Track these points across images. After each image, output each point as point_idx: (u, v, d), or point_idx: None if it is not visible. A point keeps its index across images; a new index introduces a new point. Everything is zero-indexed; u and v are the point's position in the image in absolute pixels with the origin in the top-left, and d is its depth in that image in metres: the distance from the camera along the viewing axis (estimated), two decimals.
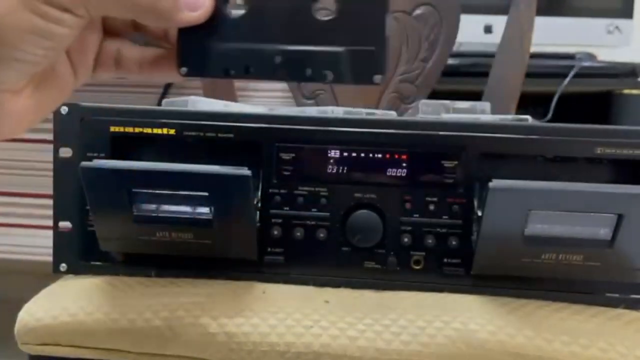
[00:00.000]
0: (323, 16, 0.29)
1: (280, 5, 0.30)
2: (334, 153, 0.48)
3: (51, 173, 0.49)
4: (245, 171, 0.43)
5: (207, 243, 0.46)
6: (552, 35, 1.12)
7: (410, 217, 0.48)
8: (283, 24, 0.31)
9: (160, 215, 0.45)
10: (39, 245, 1.25)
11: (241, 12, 0.29)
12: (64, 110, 0.48)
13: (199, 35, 0.31)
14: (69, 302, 0.46)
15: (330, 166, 0.48)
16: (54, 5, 0.27)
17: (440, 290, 0.48)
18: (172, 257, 0.49)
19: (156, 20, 0.31)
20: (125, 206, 0.44)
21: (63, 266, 0.50)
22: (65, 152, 0.49)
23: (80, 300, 0.46)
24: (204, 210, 0.45)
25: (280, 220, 0.49)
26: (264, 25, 0.31)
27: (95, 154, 0.48)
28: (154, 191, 0.45)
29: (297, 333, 0.43)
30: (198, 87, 0.97)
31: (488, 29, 1.13)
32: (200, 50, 0.32)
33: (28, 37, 0.27)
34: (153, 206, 0.45)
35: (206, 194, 0.44)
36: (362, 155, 0.48)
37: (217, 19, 0.31)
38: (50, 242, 0.50)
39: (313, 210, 0.49)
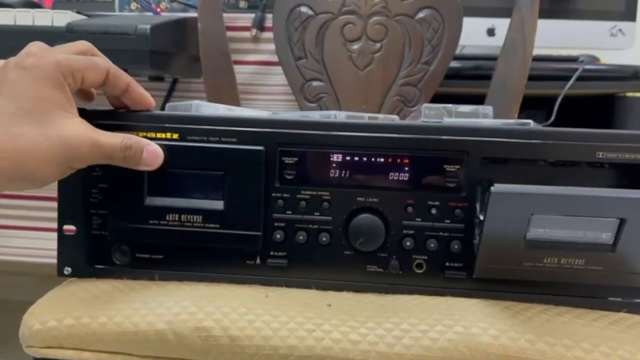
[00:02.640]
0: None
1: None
2: (337, 157, 0.48)
3: None
4: (258, 147, 0.47)
5: (215, 228, 0.48)
6: (555, 37, 1.12)
7: (413, 221, 0.48)
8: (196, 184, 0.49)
9: (173, 198, 0.49)
10: (42, 247, 1.25)
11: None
12: None
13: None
14: (73, 305, 0.47)
15: (332, 170, 0.48)
16: (72, 169, 0.45)
17: (442, 294, 0.49)
18: (176, 259, 0.50)
19: (126, 166, 0.46)
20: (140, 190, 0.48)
21: (67, 269, 0.51)
22: None
23: (85, 304, 0.47)
24: (216, 190, 0.48)
25: (282, 224, 0.49)
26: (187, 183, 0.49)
27: None
28: (167, 170, 0.48)
29: (299, 336, 0.43)
30: (201, 90, 0.97)
31: (491, 32, 1.13)
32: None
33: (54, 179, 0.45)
34: (165, 188, 0.49)
35: (221, 173, 0.48)
36: (365, 159, 0.48)
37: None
38: (53, 245, 0.50)
39: (315, 214, 0.49)
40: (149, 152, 0.46)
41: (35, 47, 0.44)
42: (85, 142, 0.43)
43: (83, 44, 0.47)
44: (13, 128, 0.41)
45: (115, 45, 0.82)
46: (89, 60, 0.45)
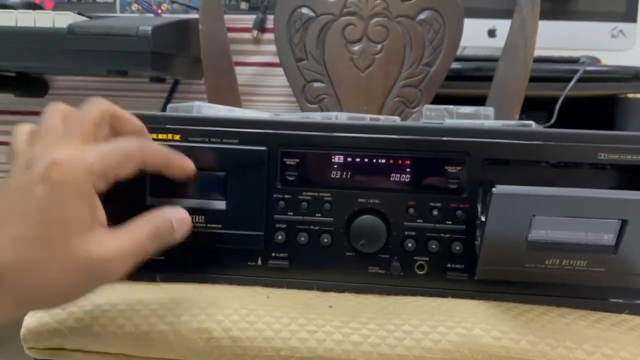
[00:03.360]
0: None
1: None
2: (338, 158, 0.48)
3: None
4: (259, 147, 0.48)
5: (218, 229, 0.48)
6: (556, 39, 1.12)
7: (414, 222, 0.48)
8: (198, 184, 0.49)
9: (175, 199, 0.49)
10: None
11: None
12: None
13: None
14: (74, 306, 0.47)
15: (334, 171, 0.48)
16: (99, 286, 0.40)
17: (444, 296, 0.49)
18: (177, 261, 0.50)
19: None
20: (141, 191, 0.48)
21: None
22: None
23: (86, 305, 0.47)
24: (218, 190, 0.48)
25: (284, 225, 0.49)
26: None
27: None
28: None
29: (301, 338, 0.43)
30: (202, 92, 0.97)
31: (492, 33, 1.13)
32: None
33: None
34: (167, 189, 0.49)
35: (223, 173, 0.48)
36: (366, 160, 0.48)
37: None
38: None
39: (317, 215, 0.49)
40: (178, 221, 0.43)
41: (57, 139, 0.39)
42: (111, 258, 0.39)
43: (102, 108, 0.41)
44: (32, 255, 0.36)
45: (117, 46, 0.82)
46: (121, 152, 0.40)
